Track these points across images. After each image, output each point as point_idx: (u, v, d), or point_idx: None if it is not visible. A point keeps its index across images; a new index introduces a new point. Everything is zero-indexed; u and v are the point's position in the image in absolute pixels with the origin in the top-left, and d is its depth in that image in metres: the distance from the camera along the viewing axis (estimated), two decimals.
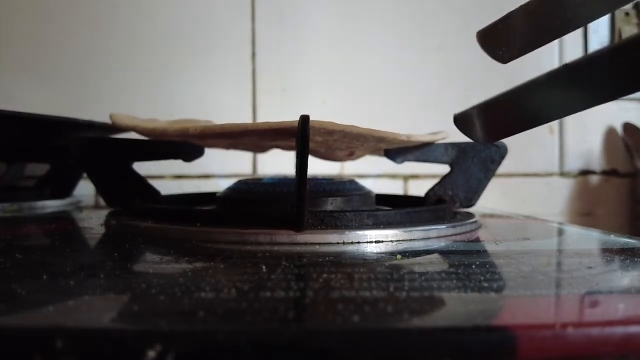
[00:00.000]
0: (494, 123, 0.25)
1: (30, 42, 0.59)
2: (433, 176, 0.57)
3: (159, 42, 0.60)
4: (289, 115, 0.29)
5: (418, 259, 0.23)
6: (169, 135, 0.30)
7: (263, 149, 0.40)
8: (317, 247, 0.25)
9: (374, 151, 0.37)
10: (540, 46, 0.26)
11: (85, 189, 0.51)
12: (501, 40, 0.27)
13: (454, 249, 0.25)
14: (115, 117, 0.33)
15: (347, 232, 0.26)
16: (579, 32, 0.64)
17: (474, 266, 0.20)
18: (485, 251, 0.25)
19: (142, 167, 0.35)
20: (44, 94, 0.58)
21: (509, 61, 0.28)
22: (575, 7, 0.24)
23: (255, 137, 0.30)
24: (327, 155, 0.40)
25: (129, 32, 0.60)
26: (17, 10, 0.59)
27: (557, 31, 0.25)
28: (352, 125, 0.28)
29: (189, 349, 0.12)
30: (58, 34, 0.59)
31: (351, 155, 0.39)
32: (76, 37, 0.59)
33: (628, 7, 0.64)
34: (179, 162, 0.35)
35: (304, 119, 0.25)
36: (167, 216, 0.29)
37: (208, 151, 0.37)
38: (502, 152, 0.34)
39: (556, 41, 0.66)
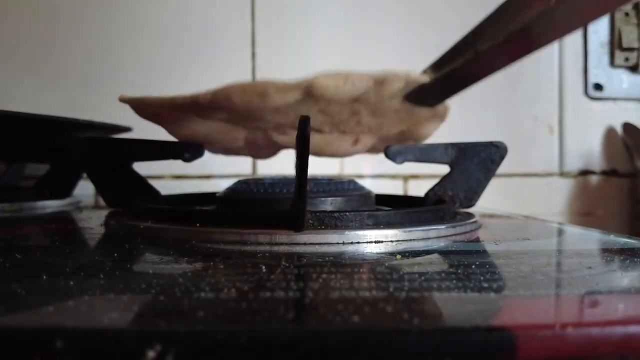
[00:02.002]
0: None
1: (32, 42, 0.59)
2: (433, 176, 0.57)
3: (158, 43, 0.60)
4: None
5: (418, 259, 0.23)
6: (177, 103, 0.29)
7: (268, 150, 0.40)
8: (316, 247, 0.25)
9: (378, 131, 0.36)
10: (454, 95, 0.31)
11: (85, 189, 0.51)
12: (424, 96, 0.32)
13: (453, 249, 0.25)
14: (123, 96, 0.33)
15: (346, 232, 0.26)
16: (578, 33, 0.64)
17: (473, 266, 0.20)
18: (485, 251, 0.25)
19: (142, 167, 0.35)
20: (46, 94, 0.58)
21: (435, 106, 0.32)
22: (477, 65, 0.28)
23: (265, 104, 0.30)
24: (330, 146, 0.39)
25: (129, 33, 0.60)
26: (19, 10, 0.59)
27: (469, 82, 0.30)
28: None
29: (189, 349, 0.12)
30: (59, 35, 0.59)
31: (357, 143, 0.38)
32: (77, 38, 0.59)
33: (628, 7, 0.64)
34: (179, 162, 0.35)
35: (304, 119, 0.25)
36: (167, 216, 0.29)
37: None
38: (502, 152, 0.34)
39: (556, 44, 0.66)
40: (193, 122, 0.33)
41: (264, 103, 0.29)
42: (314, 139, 0.37)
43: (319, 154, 0.40)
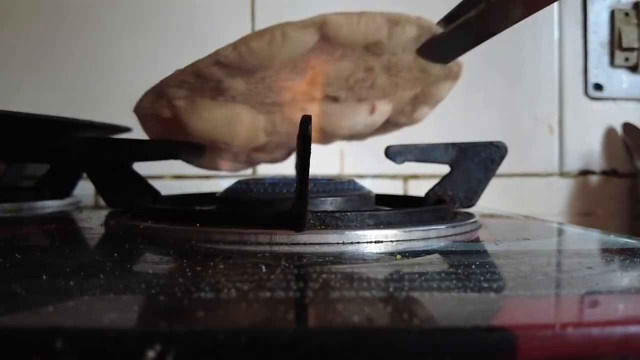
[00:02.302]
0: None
1: (32, 42, 0.59)
2: (433, 176, 0.57)
3: (159, 43, 0.60)
4: None
5: (418, 259, 0.23)
6: (199, 66, 0.29)
7: (285, 149, 0.39)
8: (316, 247, 0.25)
9: (392, 95, 0.35)
10: (468, 50, 0.32)
11: (85, 189, 0.51)
12: (437, 51, 0.32)
13: (453, 249, 0.25)
14: (141, 99, 0.33)
15: (347, 232, 0.26)
16: (578, 33, 0.64)
17: (473, 266, 0.20)
18: (485, 251, 0.25)
19: (142, 167, 0.35)
20: (46, 94, 0.58)
21: (449, 62, 0.32)
22: (492, 17, 0.28)
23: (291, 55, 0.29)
24: (347, 117, 0.39)
25: (129, 34, 0.60)
26: (19, 10, 0.59)
27: (484, 36, 0.29)
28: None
29: (189, 349, 0.12)
30: (59, 35, 0.59)
31: (373, 112, 0.37)
32: (77, 38, 0.59)
33: (628, 7, 0.64)
34: (179, 162, 0.35)
35: (305, 119, 0.25)
36: (167, 216, 0.29)
37: None
38: (502, 152, 0.34)
39: (556, 42, 0.66)
40: (211, 108, 0.32)
41: (284, 45, 0.28)
42: (330, 110, 0.36)
43: (335, 132, 0.38)
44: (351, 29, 0.28)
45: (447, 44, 0.32)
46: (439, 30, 0.32)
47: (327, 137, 0.39)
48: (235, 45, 0.28)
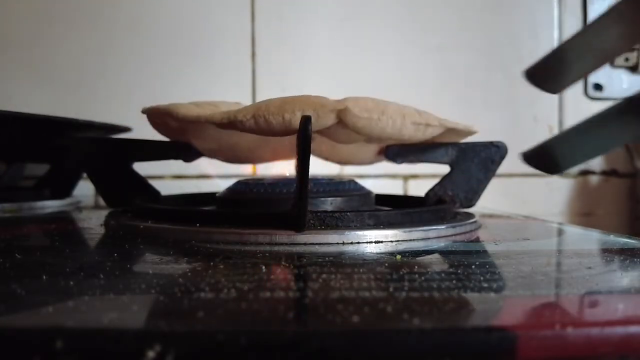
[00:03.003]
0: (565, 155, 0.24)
1: (30, 42, 0.59)
2: (433, 176, 0.57)
3: (158, 43, 0.60)
4: None
5: (418, 259, 0.23)
6: (216, 122, 0.29)
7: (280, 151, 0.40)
8: (316, 247, 0.25)
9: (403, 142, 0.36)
10: (590, 73, 0.26)
11: (85, 189, 0.51)
12: (549, 74, 0.27)
13: (453, 249, 0.25)
14: (146, 108, 0.33)
15: (347, 233, 0.26)
16: (577, 27, 0.64)
17: (473, 266, 0.20)
18: (485, 251, 0.25)
19: (142, 167, 0.35)
20: (44, 94, 0.58)
21: (559, 92, 0.28)
22: (616, 36, 0.24)
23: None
24: (356, 157, 0.39)
25: (129, 33, 0.60)
26: (17, 10, 0.59)
27: (604, 59, 0.25)
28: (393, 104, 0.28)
29: (189, 349, 0.12)
30: (58, 35, 0.59)
31: (381, 154, 0.38)
32: (76, 38, 0.59)
33: None
34: (179, 162, 0.35)
35: (305, 119, 0.25)
36: (166, 216, 0.29)
37: None
38: (502, 152, 0.34)
39: (556, 42, 0.66)
40: (218, 134, 0.32)
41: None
42: (339, 149, 0.37)
43: (344, 163, 0.41)
44: (369, 124, 0.28)
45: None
46: (468, 129, 0.32)
47: (331, 160, 0.40)
48: (254, 115, 0.28)
